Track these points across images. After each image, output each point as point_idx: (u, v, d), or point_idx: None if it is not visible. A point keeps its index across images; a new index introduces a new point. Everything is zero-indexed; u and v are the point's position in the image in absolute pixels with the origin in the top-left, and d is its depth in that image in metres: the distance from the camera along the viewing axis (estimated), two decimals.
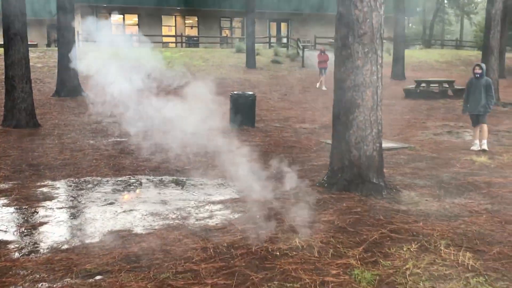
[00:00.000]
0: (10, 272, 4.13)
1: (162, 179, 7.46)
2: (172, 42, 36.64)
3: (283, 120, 14.28)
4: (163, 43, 35.64)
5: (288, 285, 3.85)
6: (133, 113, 14.46)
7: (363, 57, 6.33)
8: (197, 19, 39.64)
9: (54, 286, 3.87)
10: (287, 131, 12.29)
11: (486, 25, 18.09)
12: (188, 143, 10.18)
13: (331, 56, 22.30)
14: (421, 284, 3.89)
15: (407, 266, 4.21)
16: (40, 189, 6.79)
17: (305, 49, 29.60)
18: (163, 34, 37.66)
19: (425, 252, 4.52)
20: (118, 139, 10.77)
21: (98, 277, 4.02)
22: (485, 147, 9.57)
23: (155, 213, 5.75)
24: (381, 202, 6.09)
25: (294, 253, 4.49)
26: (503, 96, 18.50)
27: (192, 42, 37.52)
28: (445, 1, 54.77)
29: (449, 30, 64.11)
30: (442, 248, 4.59)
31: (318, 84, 22.42)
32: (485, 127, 9.68)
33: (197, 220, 5.52)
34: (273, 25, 41.28)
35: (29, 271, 4.15)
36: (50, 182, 7.17)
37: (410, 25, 52.64)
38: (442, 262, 4.30)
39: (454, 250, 4.55)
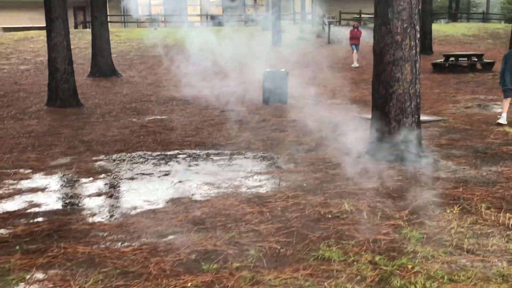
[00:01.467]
0: (91, 234, 4.61)
1: (208, 152, 7.87)
2: (197, 22, 36.93)
3: (314, 96, 14.54)
4: (188, 22, 35.95)
5: (343, 242, 4.25)
6: (168, 92, 14.97)
7: (402, 32, 6.60)
8: None
9: (133, 244, 4.33)
10: (319, 106, 12.58)
11: None
12: (227, 120, 10.63)
13: (364, 32, 22.23)
14: (465, 240, 4.24)
15: (452, 225, 4.56)
16: (97, 163, 7.28)
17: (330, 25, 29.60)
18: (188, 13, 37.92)
19: (467, 214, 4.86)
20: (159, 117, 11.22)
21: (170, 237, 4.47)
22: None
23: (208, 183, 6.18)
24: (421, 171, 6.42)
25: (345, 215, 4.88)
26: None
27: (217, 21, 37.70)
28: None
29: (475, 3, 62.88)
30: (483, 210, 4.93)
31: (355, 63, 21.81)
32: None
33: (248, 188, 5.94)
34: (297, 2, 41.14)
35: (107, 233, 4.62)
36: (104, 157, 7.65)
37: None
38: (484, 222, 4.64)
39: (494, 212, 4.88)
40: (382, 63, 6.74)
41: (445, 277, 3.62)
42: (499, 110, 11.25)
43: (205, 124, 10.23)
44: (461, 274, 3.67)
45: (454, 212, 4.91)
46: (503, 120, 9.59)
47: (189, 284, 3.59)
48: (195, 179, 6.36)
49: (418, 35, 6.74)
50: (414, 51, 6.69)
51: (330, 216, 4.88)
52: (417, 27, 6.71)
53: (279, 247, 4.18)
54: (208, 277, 3.69)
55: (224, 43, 26.99)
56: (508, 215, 4.77)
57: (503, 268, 3.76)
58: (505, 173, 6.25)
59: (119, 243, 4.37)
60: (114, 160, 7.44)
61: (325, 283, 3.57)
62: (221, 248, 4.18)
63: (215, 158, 7.54)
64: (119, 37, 27.53)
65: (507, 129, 9.08)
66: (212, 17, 38.48)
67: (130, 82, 17.50)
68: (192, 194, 5.75)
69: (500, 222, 4.64)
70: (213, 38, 28.17)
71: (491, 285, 3.51)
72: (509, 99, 9.76)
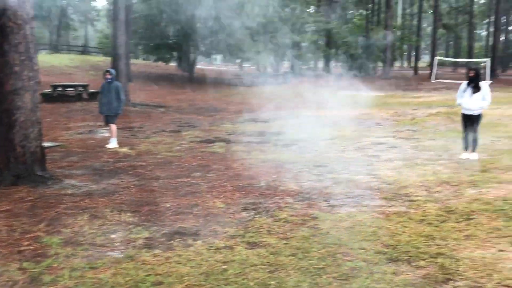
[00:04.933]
0: None
1: None
2: None
3: None
4: None
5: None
6: None
7: (20, 64, 7.08)
8: None
9: None
10: None
11: (113, 34, 20.32)
12: None
13: None
14: (97, 238, 5.14)
15: (84, 229, 5.40)
16: None
17: None
18: None
19: (96, 219, 5.78)
20: None
21: None
22: (110, 145, 10.88)
23: None
24: (49, 190, 7.01)
25: None
26: (132, 97, 21.08)
27: None
28: (69, 7, 56.22)
29: (75, 36, 65.96)
30: (107, 214, 5.94)
31: None
32: (113, 127, 11.10)
33: None
34: None
35: None
36: None
37: None
38: (110, 223, 5.65)
39: (116, 214, 5.95)
40: (3, 92, 7.05)
41: (86, 267, 4.42)
42: (107, 135, 12.74)
43: None
44: (98, 262, 4.53)
45: (85, 219, 5.76)
46: (112, 145, 10.94)
47: None
48: None
49: (35, 67, 7.34)
50: (33, 82, 7.26)
51: None
52: (34, 60, 7.30)
53: None
54: None
55: None
56: (127, 214, 5.92)
57: (129, 252, 4.81)
58: (121, 184, 7.48)
59: None
60: None
61: None
62: None
63: None
64: None
65: (118, 149, 10.53)
66: None
67: None
68: None
69: (122, 220, 5.73)
70: None
71: (129, 265, 4.50)
72: (113, 125, 11.18)
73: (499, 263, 4.39)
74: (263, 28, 39.93)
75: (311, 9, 50.73)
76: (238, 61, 43.92)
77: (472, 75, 9.32)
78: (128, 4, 23.68)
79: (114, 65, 19.35)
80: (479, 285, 3.98)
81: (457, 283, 4.01)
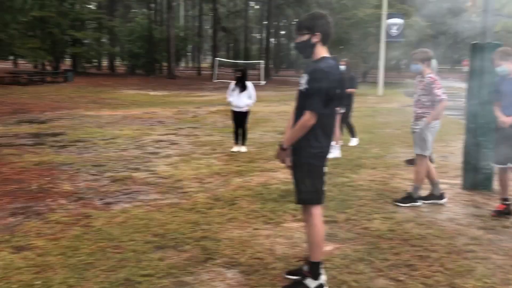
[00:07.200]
0: None
1: None
2: None
3: None
4: None
5: None
6: None
7: None
8: None
9: None
10: None
11: None
12: None
13: None
14: None
15: None
16: None
17: None
18: None
19: None
20: None
21: None
22: None
23: None
24: None
25: None
26: None
27: None
28: None
29: None
30: None
31: None
32: None
33: None
34: None
35: None
36: None
37: None
38: None
39: None
40: None
41: None
42: None
43: None
44: None
45: None
46: None
47: None
48: None
49: None
50: None
51: None
52: None
53: None
54: None
55: None
56: None
57: None
58: None
59: None
60: None
61: None
62: None
63: None
64: None
65: None
66: None
67: None
68: None
69: None
70: None
71: None
72: None
73: (253, 240, 4.99)
74: (39, 23, 37.45)
75: (92, 6, 49.16)
76: (11, 57, 40.28)
77: (239, 75, 10.23)
78: None
79: None
80: (234, 260, 4.49)
81: (216, 261, 4.46)
